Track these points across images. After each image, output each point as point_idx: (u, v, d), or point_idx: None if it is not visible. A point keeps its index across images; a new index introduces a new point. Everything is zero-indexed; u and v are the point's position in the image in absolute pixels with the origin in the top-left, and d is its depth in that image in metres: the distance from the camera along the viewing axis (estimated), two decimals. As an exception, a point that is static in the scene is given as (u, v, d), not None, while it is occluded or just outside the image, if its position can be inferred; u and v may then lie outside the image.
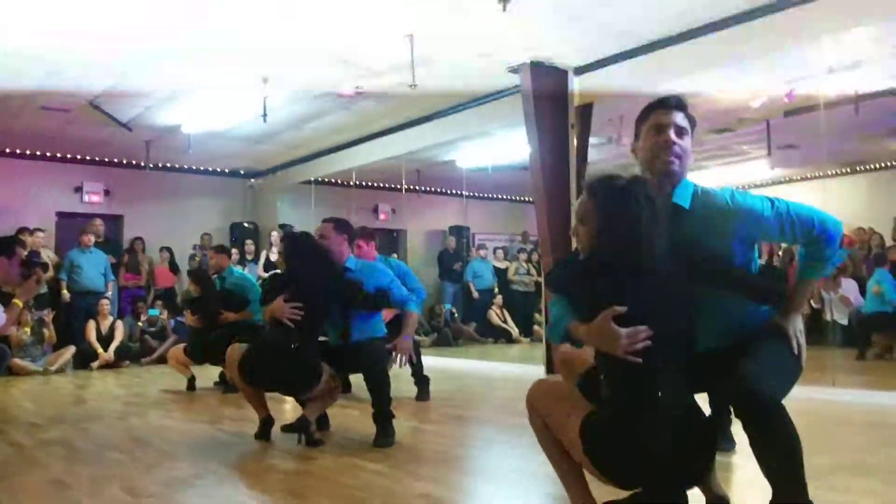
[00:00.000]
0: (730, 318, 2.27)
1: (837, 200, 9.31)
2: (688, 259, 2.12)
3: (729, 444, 3.67)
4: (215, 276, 6.93)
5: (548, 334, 2.43)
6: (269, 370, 4.08)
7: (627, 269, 2.07)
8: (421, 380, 5.92)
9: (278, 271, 4.39)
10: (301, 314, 4.02)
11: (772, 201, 2.23)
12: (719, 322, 2.26)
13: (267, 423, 4.26)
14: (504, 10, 5.46)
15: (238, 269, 7.16)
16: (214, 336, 6.39)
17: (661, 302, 2.07)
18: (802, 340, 2.22)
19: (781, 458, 2.01)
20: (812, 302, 9.98)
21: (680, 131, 2.28)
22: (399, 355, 4.25)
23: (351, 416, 4.99)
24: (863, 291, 9.13)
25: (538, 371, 7.61)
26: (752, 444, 2.01)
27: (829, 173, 11.00)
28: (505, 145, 9.99)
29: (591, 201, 2.15)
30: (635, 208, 2.06)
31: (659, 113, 2.31)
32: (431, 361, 9.11)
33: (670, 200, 2.25)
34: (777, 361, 2.13)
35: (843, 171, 11.40)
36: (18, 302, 4.37)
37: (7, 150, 10.59)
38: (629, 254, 2.06)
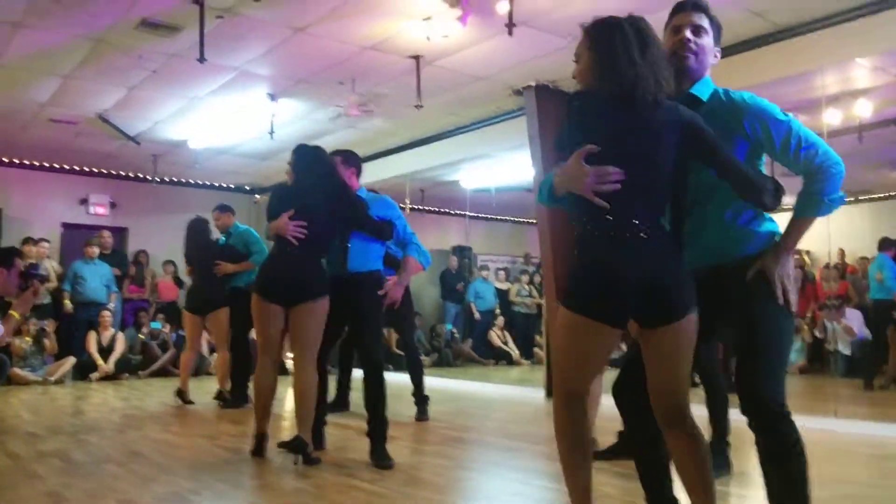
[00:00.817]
0: (726, 230, 2.25)
1: (840, 229, 9.30)
2: (691, 137, 2.13)
3: (724, 469, 3.66)
4: (222, 234, 6.97)
5: (536, 197, 2.38)
6: (280, 277, 4.11)
7: (608, 100, 2.07)
8: (421, 399, 5.90)
9: (286, 181, 4.38)
10: (305, 232, 4.05)
11: (787, 114, 2.24)
12: (715, 233, 2.25)
13: (261, 438, 4.24)
14: (510, 33, 5.51)
15: (244, 224, 7.15)
16: (210, 287, 6.54)
17: (637, 139, 2.06)
18: (790, 285, 2.19)
19: (785, 478, 2.09)
20: (816, 332, 9.94)
21: (697, 30, 2.28)
22: (388, 303, 4.36)
23: (349, 434, 4.97)
24: (867, 322, 9.07)
25: (538, 394, 7.59)
26: (760, 458, 2.13)
27: (833, 201, 11.00)
28: (509, 167, 10.04)
29: (584, 37, 2.18)
30: (620, 38, 2.08)
31: (678, 16, 2.32)
32: (431, 382, 9.10)
33: (687, 92, 2.26)
34: (775, 346, 2.16)
35: (847, 199, 11.38)
36: (15, 313, 4.37)
37: (15, 161, 10.67)
38: (611, 83, 2.07)
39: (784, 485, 2.09)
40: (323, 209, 4.13)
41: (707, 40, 2.29)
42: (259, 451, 4.22)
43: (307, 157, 4.26)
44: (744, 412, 2.14)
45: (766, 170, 2.35)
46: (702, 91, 2.27)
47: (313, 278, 4.10)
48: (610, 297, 2.07)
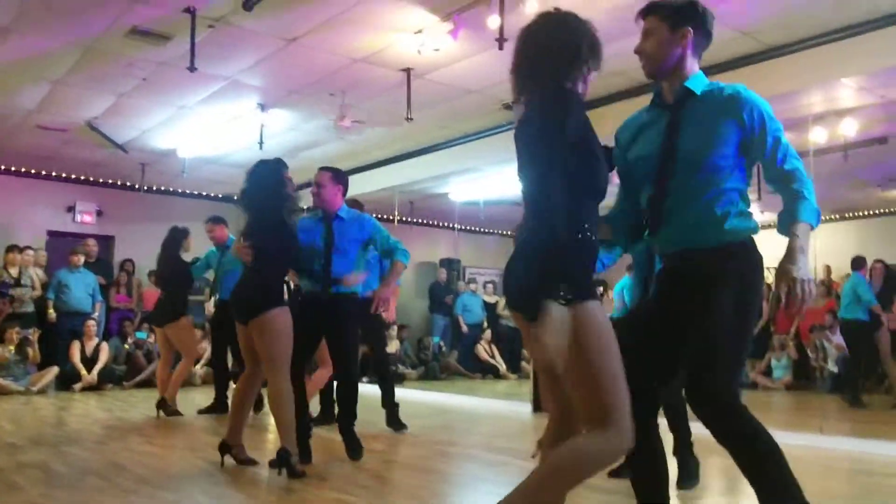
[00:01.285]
0: (702, 213, 2.24)
1: (826, 246, 9.38)
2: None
3: (691, 482, 3.68)
4: (216, 248, 6.94)
5: None
6: (234, 296, 4.27)
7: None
8: (391, 407, 5.83)
9: None
10: (249, 252, 4.13)
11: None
12: (691, 214, 2.25)
13: (223, 446, 4.27)
14: (501, 47, 5.53)
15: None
16: (166, 299, 6.60)
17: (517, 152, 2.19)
18: (808, 289, 2.11)
19: (756, 465, 2.11)
20: (809, 350, 9.98)
21: (645, 35, 2.35)
22: (377, 304, 4.42)
23: (335, 447, 4.93)
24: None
25: (525, 408, 7.57)
26: (730, 453, 2.15)
27: (819, 219, 11.10)
28: (498, 180, 10.07)
29: None
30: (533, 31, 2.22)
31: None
32: (417, 395, 9.07)
33: (682, 87, 2.32)
34: (733, 342, 2.17)
35: (833, 217, 11.51)
36: None
37: (2, 168, 10.59)
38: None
39: (762, 468, 2.10)
40: (262, 224, 4.17)
41: (653, 40, 2.32)
42: (222, 457, 4.25)
43: (253, 174, 4.29)
44: (694, 411, 2.18)
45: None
46: (695, 85, 2.32)
47: (256, 294, 4.10)
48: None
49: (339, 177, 4.59)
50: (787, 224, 2.21)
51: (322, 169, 4.60)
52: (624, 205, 2.50)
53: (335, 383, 6.32)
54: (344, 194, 4.62)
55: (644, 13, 2.37)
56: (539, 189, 2.06)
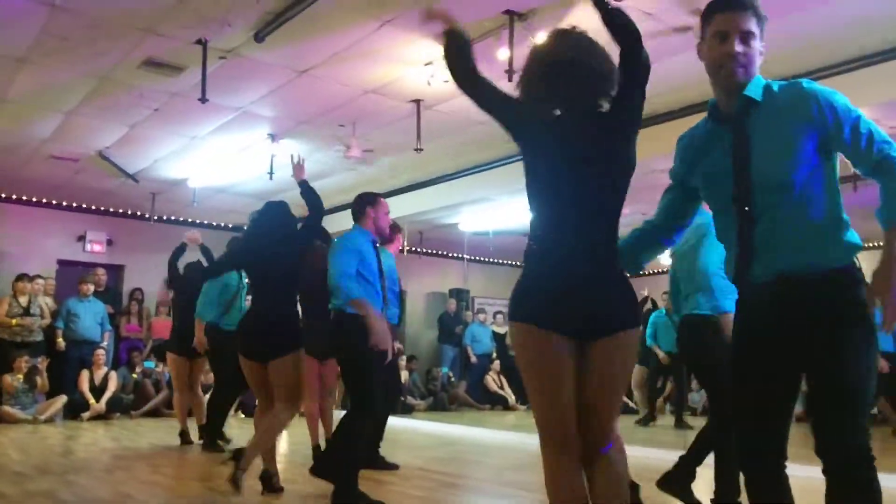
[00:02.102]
0: (803, 235, 1.99)
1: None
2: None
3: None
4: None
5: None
6: (252, 335, 4.30)
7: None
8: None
9: None
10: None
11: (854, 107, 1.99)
12: (790, 236, 1.98)
13: (265, 475, 4.27)
14: (510, 79, 5.57)
15: None
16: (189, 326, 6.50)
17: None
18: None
19: None
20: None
21: (746, 37, 1.96)
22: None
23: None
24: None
25: (534, 440, 7.49)
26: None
27: (830, 250, 11.04)
28: (508, 211, 10.09)
29: None
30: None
31: (722, 17, 1.99)
32: (426, 426, 9.00)
33: (742, 97, 2.02)
34: (864, 387, 1.92)
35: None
36: None
37: (13, 197, 10.69)
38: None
39: None
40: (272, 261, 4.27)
41: (755, 45, 1.98)
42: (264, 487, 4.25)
43: (265, 215, 4.41)
44: (831, 468, 1.95)
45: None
46: (754, 91, 2.01)
47: (273, 334, 4.26)
48: None
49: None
50: (883, 224, 1.97)
51: (361, 196, 4.59)
52: (659, 220, 2.34)
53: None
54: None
55: (742, 5, 1.97)
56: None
